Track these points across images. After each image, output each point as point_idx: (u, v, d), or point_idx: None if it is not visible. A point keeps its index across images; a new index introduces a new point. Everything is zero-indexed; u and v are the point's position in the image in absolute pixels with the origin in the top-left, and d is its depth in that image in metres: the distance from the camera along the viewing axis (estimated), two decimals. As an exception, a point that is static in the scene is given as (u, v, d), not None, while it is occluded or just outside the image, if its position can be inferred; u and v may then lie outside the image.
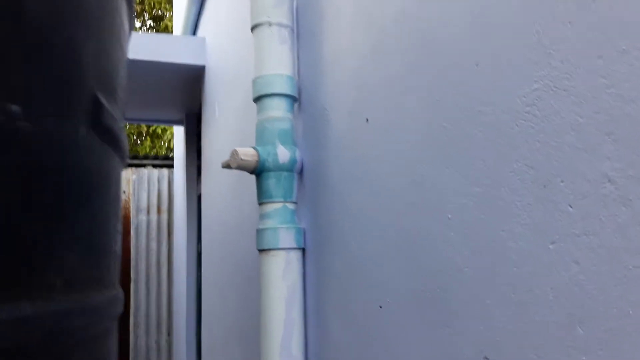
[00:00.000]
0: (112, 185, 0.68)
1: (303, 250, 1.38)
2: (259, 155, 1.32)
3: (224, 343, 2.62)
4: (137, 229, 5.99)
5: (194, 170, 4.62)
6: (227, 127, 2.57)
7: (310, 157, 1.37)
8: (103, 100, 0.70)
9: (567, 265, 0.58)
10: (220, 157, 2.77)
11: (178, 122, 5.01)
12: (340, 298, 1.15)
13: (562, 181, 0.59)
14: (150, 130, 12.67)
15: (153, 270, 5.92)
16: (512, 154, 0.67)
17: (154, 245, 5.99)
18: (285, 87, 1.38)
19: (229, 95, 2.58)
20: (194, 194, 4.55)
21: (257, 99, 1.41)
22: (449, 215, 0.77)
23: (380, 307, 0.96)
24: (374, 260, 1.00)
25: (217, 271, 2.82)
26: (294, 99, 1.42)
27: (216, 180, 2.96)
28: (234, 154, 1.33)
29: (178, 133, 5.39)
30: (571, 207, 0.58)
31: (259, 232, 1.34)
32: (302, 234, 1.36)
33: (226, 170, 2.63)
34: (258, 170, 1.34)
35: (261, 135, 1.37)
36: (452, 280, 0.77)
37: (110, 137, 0.72)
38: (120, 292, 0.86)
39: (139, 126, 12.89)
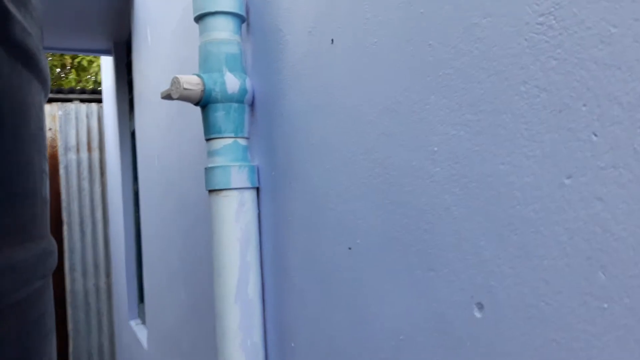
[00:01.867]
0: (31, 116, 0.53)
1: (257, 189, 1.27)
2: (204, 83, 1.17)
3: (168, 285, 2.51)
4: (66, 168, 5.64)
5: (125, 104, 4.31)
6: (162, 54, 2.34)
7: (262, 86, 1.23)
8: (11, 7, 0.53)
9: (587, 202, 0.50)
10: (155, 89, 2.55)
11: (106, 52, 4.61)
12: (302, 240, 1.06)
13: (584, 105, 0.50)
14: (75, 62, 11.77)
15: (87, 211, 5.64)
16: (519, 75, 0.57)
17: (86, 185, 5.68)
18: (231, 4, 1.21)
19: (163, 17, 2.33)
20: (126, 129, 4.27)
21: (199, 18, 1.23)
22: (435, 148, 0.68)
23: (350, 248, 0.87)
24: (340, 198, 0.91)
25: (157, 212, 2.67)
26: (241, 19, 1.25)
27: (151, 115, 2.74)
28: (175, 82, 1.16)
29: (106, 64, 4.98)
30: (595, 135, 0.49)
31: (208, 170, 1.21)
32: (255, 172, 1.24)
33: (163, 104, 2.42)
34: (204, 102, 1.19)
35: (205, 61, 1.21)
36: (437, 220, 0.68)
37: (24, 56, 0.56)
38: (52, 243, 0.72)
39: (61, 58, 11.93)
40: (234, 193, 1.19)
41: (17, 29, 0.53)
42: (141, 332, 3.58)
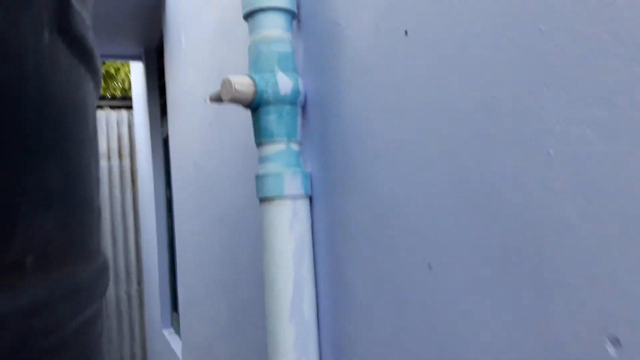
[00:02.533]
0: (89, 118, 0.45)
1: (310, 197, 1.17)
2: (256, 85, 1.08)
3: (205, 295, 2.44)
4: (98, 175, 5.65)
5: (156, 110, 4.28)
6: (198, 57, 2.27)
7: (316, 87, 1.14)
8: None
9: None
10: (190, 94, 2.49)
11: (136, 58, 4.60)
12: (366, 253, 0.96)
13: None
14: (103, 70, 11.87)
15: (118, 218, 5.64)
16: (673, 60, 0.46)
17: (117, 192, 5.69)
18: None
19: (198, 19, 2.27)
20: (158, 136, 4.24)
21: (248, 15, 1.15)
22: (550, 151, 0.57)
23: (430, 266, 0.77)
24: (416, 208, 0.81)
25: (194, 220, 2.60)
26: (292, 15, 1.16)
27: (186, 121, 2.68)
28: (227, 84, 1.08)
29: (136, 70, 4.97)
30: None
31: (260, 178, 1.13)
32: (308, 179, 1.15)
33: (198, 109, 2.36)
34: (255, 104, 1.10)
35: (256, 61, 1.13)
36: (553, 235, 0.58)
37: (82, 51, 0.48)
38: (106, 259, 0.65)
39: (90, 67, 12.03)
40: (288, 201, 1.10)
41: (77, 20, 0.45)
42: (175, 342, 3.52)
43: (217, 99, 1.11)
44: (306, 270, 1.11)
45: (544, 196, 0.58)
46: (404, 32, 0.82)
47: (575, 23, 0.54)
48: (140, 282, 5.70)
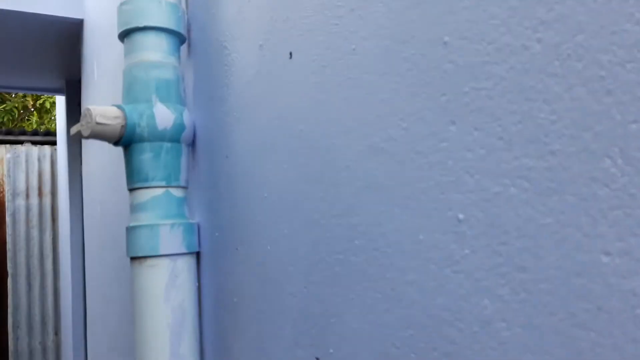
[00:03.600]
0: None
1: (197, 254, 0.97)
2: (125, 117, 0.88)
3: (109, 350, 2.14)
4: (13, 215, 5.20)
5: (77, 146, 3.97)
6: (108, 88, 2.05)
7: (205, 122, 0.95)
8: None
9: None
10: (99, 128, 2.25)
11: (58, 91, 4.30)
12: (251, 332, 0.76)
13: None
14: (38, 104, 11.36)
15: (35, 262, 5.18)
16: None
17: (35, 233, 5.24)
18: (166, 19, 0.94)
19: (108, 50, 2.06)
20: (77, 174, 3.92)
21: (124, 35, 0.96)
22: (460, 215, 0.40)
23: (317, 359, 0.58)
24: (305, 280, 0.62)
25: (99, 268, 2.32)
26: (180, 38, 0.98)
27: (98, 157, 2.43)
28: (87, 114, 0.88)
29: (59, 104, 4.66)
30: None
31: (130, 231, 0.91)
32: (195, 232, 0.94)
33: (105, 145, 2.12)
34: (125, 140, 0.90)
35: (130, 89, 0.93)
36: (471, 331, 0.40)
37: None
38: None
39: (24, 99, 11.52)
40: (164, 262, 0.89)
41: None
42: (84, 404, 3.14)
43: (78, 133, 0.90)
44: (187, 348, 0.90)
45: (451, 280, 0.41)
46: (288, 54, 0.64)
47: (491, 31, 0.38)
48: (57, 332, 5.20)
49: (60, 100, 4.53)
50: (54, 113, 10.80)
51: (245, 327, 0.79)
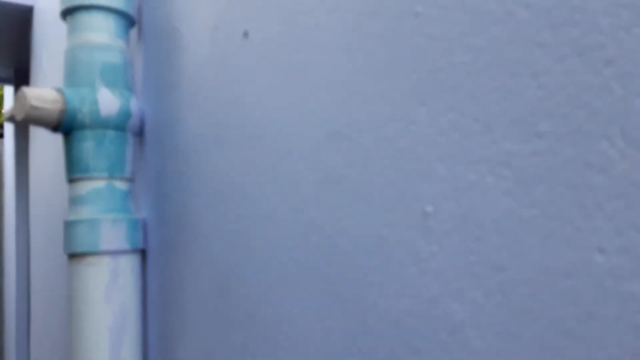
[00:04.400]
0: None
1: (143, 252, 0.90)
2: (65, 101, 0.81)
3: (50, 351, 2.02)
4: (-46, 211, 4.92)
5: (25, 139, 3.78)
6: (53, 77, 1.94)
7: (154, 110, 0.88)
8: None
9: None
10: (46, 119, 2.13)
11: (6, 81, 4.08)
12: (201, 342, 0.70)
13: None
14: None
15: (-23, 260, 4.91)
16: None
17: (-22, 230, 4.97)
18: (114, -3, 0.87)
19: (57, 36, 1.95)
20: (24, 168, 3.73)
21: (67, 13, 0.88)
22: (428, 208, 0.36)
23: (268, 367, 0.53)
24: (258, 282, 0.56)
25: (43, 266, 2.19)
26: (129, 20, 0.91)
27: (44, 151, 2.30)
28: (21, 97, 0.79)
29: (8, 95, 4.44)
30: None
31: (68, 226, 0.83)
32: (139, 228, 0.87)
33: (52, 136, 2.00)
34: (65, 126, 0.82)
35: (72, 72, 0.85)
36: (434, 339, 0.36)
37: None
38: None
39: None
40: (105, 260, 0.82)
41: None
42: (25, 411, 2.97)
43: (11, 118, 0.82)
44: (127, 353, 0.82)
45: (417, 279, 0.36)
46: (242, 34, 0.59)
47: None
48: (1, 333, 4.95)
49: (9, 91, 4.31)
50: (3, 105, 10.34)
51: (193, 331, 0.73)
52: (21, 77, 3.86)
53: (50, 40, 2.19)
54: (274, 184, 0.54)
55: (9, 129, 4.39)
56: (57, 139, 1.75)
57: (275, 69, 0.54)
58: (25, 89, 0.78)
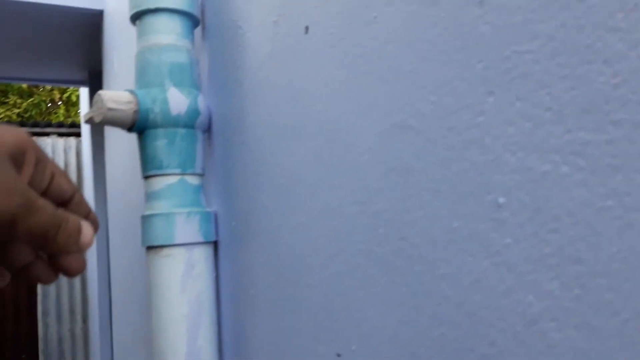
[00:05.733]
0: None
1: (215, 243, 0.93)
2: (138, 102, 0.85)
3: (132, 339, 2.15)
4: (41, 206, 5.29)
5: (100, 136, 3.99)
6: (125, 79, 2.04)
7: (221, 106, 0.91)
8: None
9: None
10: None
11: (81, 83, 4.32)
12: (269, 325, 0.73)
13: None
14: (65, 97, 11.56)
15: (62, 252, 5.26)
16: None
17: (62, 223, 5.32)
18: (179, 0, 0.90)
19: (127, 39, 2.04)
20: (101, 164, 3.95)
21: (136, 18, 0.92)
22: (500, 199, 0.35)
23: (339, 356, 0.54)
24: (324, 271, 0.58)
25: (122, 258, 2.32)
26: (193, 20, 0.94)
27: (118, 147, 2.43)
28: (98, 100, 0.84)
29: (83, 96, 4.70)
30: None
31: (145, 220, 0.88)
32: (212, 220, 0.91)
33: (128, 134, 2.11)
34: (139, 126, 0.87)
35: (143, 73, 0.89)
36: (503, 324, 0.35)
37: None
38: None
39: (50, 92, 11.71)
40: (180, 251, 0.86)
41: None
42: (111, 392, 3.17)
43: (90, 120, 0.87)
44: (205, 340, 0.86)
45: (497, 269, 0.36)
46: (304, 29, 0.60)
47: (529, -9, 0.33)
48: (85, 320, 5.29)
49: (84, 92, 4.56)
50: (80, 106, 10.94)
51: (264, 320, 0.75)
52: (95, 78, 4.07)
53: (120, 42, 2.29)
54: (338, 177, 0.55)
55: (86, 128, 4.65)
56: (130, 137, 1.84)
57: (336, 62, 0.54)
58: (101, 92, 0.83)
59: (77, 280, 5.29)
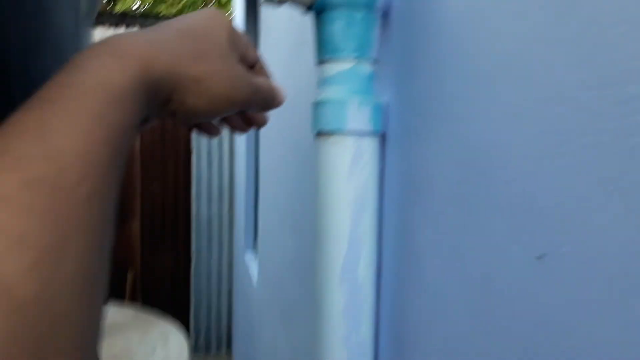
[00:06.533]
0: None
1: (383, 136, 0.91)
2: (319, -22, 0.81)
3: (278, 229, 2.30)
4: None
5: (252, 34, 4.10)
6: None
7: (403, -13, 0.84)
8: None
9: None
10: (281, 11, 2.25)
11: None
12: (445, 224, 0.70)
13: None
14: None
15: (214, 142, 5.72)
16: None
17: (214, 114, 5.73)
18: None
19: None
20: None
21: None
22: None
23: (539, 258, 0.50)
24: (527, 165, 0.52)
25: (273, 149, 2.43)
26: None
27: (274, 38, 2.46)
28: (280, -25, 0.82)
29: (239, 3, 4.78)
30: None
31: (316, 105, 0.87)
32: (382, 111, 0.88)
33: (287, 24, 2.11)
34: (318, 5, 0.83)
35: (325, -52, 0.84)
36: None
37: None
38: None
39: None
40: (349, 139, 0.84)
41: None
42: (253, 268, 3.49)
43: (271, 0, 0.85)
44: (366, 228, 0.87)
45: None
46: None
47: None
48: (231, 205, 5.80)
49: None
50: (228, 8, 11.31)
51: (436, 217, 0.73)
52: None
53: None
54: (571, 55, 0.47)
55: (239, 9, 4.77)
56: (292, 24, 1.83)
57: None
58: (285, -33, 0.80)
59: (225, 169, 5.75)
